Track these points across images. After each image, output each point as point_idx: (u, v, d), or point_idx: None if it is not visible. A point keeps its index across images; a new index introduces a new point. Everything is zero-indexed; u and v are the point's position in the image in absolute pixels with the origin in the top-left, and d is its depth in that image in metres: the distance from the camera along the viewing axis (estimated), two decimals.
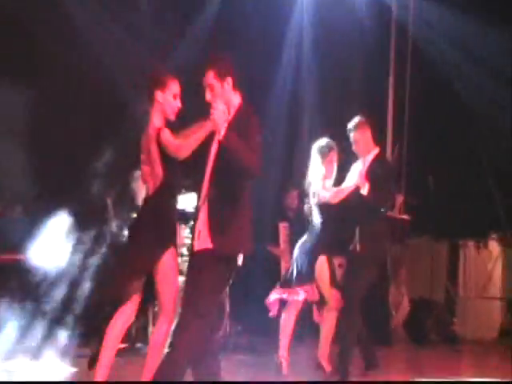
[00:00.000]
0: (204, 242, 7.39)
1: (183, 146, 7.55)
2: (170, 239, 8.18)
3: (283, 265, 13.63)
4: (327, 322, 11.11)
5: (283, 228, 13.90)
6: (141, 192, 13.48)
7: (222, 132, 7.24)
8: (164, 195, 7.93)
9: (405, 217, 15.05)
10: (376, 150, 11.35)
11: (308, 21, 17.12)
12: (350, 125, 11.25)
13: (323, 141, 11.40)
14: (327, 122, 15.91)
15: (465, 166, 17.32)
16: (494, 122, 16.94)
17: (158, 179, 7.81)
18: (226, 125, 7.29)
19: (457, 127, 17.05)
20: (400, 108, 17.50)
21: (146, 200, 8.18)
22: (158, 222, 7.96)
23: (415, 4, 17.50)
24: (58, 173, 14.94)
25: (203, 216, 7.42)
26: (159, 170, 7.78)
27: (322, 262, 11.08)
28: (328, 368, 11.03)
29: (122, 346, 13.00)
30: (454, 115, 17.03)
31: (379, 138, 12.15)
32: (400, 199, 15.15)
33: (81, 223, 14.74)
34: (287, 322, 11.30)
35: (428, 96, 17.28)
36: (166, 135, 7.70)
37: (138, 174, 13.52)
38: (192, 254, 7.62)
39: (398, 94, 17.57)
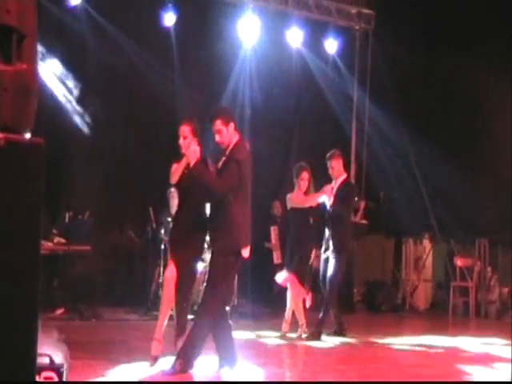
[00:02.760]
0: (214, 245, 7.99)
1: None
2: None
3: (275, 255, 14.10)
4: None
5: (273, 230, 14.16)
6: (174, 203, 14.15)
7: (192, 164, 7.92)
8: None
9: (363, 222, 15.38)
10: (345, 175, 11.77)
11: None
12: (329, 154, 11.60)
13: (298, 164, 11.62)
14: (305, 151, 15.94)
15: (405, 183, 17.34)
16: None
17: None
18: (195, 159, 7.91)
19: (401, 154, 17.12)
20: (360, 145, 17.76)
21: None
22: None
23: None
24: (116, 188, 15.20)
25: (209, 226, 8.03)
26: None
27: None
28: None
29: None
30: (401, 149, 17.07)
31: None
32: (362, 205, 15.41)
33: (131, 225, 15.37)
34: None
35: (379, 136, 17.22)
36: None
37: (171, 191, 14.16)
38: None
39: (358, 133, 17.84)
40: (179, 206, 8.72)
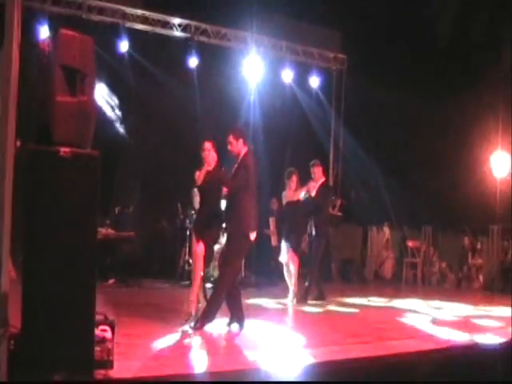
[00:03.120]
0: (229, 228, 8.00)
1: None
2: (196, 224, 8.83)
3: (273, 240, 14.02)
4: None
5: (272, 221, 14.10)
6: (196, 200, 14.15)
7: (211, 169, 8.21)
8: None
9: (339, 214, 15.24)
10: (323, 179, 11.73)
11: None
12: (311, 163, 11.59)
13: (289, 169, 11.66)
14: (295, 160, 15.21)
15: (369, 186, 17.33)
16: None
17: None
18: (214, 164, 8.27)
19: (367, 166, 16.99)
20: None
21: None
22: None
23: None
24: (153, 188, 15.32)
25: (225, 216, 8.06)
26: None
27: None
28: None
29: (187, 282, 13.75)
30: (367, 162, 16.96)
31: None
32: (338, 202, 15.20)
33: (164, 216, 15.43)
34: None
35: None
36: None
37: (194, 190, 14.15)
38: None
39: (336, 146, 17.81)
40: (200, 202, 8.66)
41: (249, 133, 9.48)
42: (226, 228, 8.36)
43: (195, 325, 7.65)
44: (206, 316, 7.71)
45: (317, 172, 11.61)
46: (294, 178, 11.39)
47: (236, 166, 8.01)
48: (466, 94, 16.23)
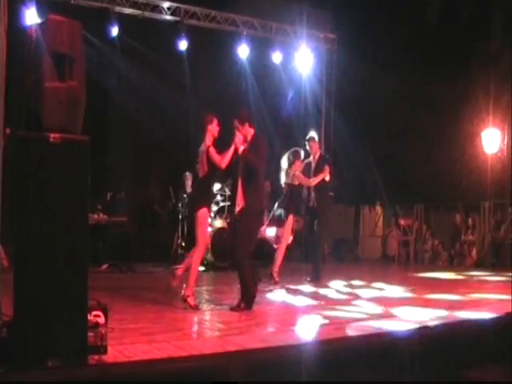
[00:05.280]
0: (246, 206, 7.92)
1: (223, 161, 8.03)
2: (208, 201, 8.64)
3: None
4: (280, 250, 11.11)
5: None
6: (188, 184, 14.16)
7: (241, 150, 8.01)
8: (206, 180, 8.22)
9: (331, 194, 15.30)
10: (319, 153, 11.73)
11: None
12: (307, 138, 11.67)
13: (294, 149, 11.47)
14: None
15: (362, 167, 17.18)
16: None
17: (204, 172, 8.10)
18: (243, 146, 8.00)
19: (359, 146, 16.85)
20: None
21: (199, 180, 8.36)
22: (204, 191, 8.30)
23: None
24: (144, 174, 15.25)
25: (239, 192, 7.99)
26: (205, 168, 8.08)
27: (289, 218, 11.19)
28: (277, 279, 10.87)
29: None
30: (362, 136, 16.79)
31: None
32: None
33: (156, 200, 15.44)
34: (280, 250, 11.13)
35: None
36: (212, 151, 8.05)
37: (186, 175, 14.17)
38: (236, 214, 8.04)
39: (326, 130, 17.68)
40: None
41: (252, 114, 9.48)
42: (235, 210, 8.30)
43: (238, 305, 7.84)
44: (245, 296, 7.87)
45: (313, 146, 11.63)
46: (299, 157, 11.36)
47: (245, 147, 8.06)
48: (456, 72, 16.26)
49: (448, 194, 16.74)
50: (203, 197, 8.29)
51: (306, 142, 11.67)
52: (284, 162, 11.36)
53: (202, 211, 8.08)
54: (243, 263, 7.86)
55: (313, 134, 11.90)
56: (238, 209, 8.02)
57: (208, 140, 8.20)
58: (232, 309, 7.80)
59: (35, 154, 4.56)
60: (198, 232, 8.09)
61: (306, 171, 11.44)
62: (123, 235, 14.04)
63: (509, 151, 16.47)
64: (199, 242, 8.09)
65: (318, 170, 11.40)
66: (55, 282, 4.50)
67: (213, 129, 8.27)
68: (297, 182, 11.31)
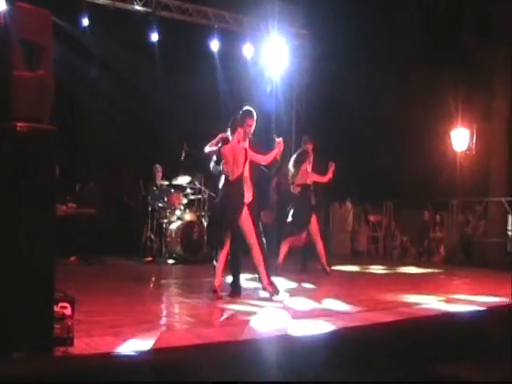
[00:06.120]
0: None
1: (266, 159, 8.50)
2: (244, 202, 8.36)
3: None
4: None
5: None
6: (158, 176, 14.13)
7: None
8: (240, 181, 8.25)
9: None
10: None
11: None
12: (304, 138, 12.09)
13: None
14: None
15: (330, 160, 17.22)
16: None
17: (240, 172, 8.19)
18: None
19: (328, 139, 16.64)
20: None
21: (231, 180, 8.24)
22: (243, 191, 8.26)
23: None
24: (115, 166, 15.16)
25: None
26: (242, 168, 8.22)
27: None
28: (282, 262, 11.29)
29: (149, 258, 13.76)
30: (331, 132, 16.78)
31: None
32: None
33: (126, 192, 15.31)
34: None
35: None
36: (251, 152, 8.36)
37: (157, 167, 14.13)
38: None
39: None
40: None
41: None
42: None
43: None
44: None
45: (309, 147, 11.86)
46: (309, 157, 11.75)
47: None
48: (426, 70, 16.34)
49: (418, 192, 16.80)
50: (243, 196, 8.32)
51: (303, 145, 11.91)
52: (293, 163, 11.71)
53: (245, 209, 8.23)
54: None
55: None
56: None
57: (235, 139, 8.34)
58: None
59: (2, 144, 4.50)
60: (248, 230, 8.21)
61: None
62: (93, 227, 13.77)
63: (477, 149, 16.58)
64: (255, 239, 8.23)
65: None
66: (21, 272, 4.44)
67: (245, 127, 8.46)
68: (310, 181, 11.59)
